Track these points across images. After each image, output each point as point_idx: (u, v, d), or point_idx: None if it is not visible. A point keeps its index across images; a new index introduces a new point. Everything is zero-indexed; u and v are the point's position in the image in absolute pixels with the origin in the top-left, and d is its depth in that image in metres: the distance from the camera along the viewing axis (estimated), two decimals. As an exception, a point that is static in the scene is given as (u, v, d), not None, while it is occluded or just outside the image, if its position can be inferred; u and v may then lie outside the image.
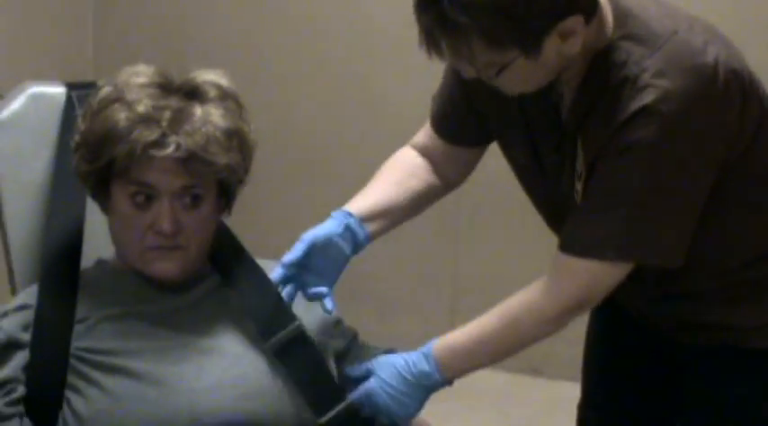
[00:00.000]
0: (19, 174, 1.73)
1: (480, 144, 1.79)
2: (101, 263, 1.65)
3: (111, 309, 1.56)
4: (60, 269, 1.60)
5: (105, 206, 1.59)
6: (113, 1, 3.41)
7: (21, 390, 1.48)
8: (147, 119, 1.49)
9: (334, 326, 1.72)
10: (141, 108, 1.50)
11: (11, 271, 1.73)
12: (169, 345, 1.54)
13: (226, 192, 1.60)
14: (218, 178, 1.55)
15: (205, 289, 1.63)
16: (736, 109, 1.49)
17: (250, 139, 1.59)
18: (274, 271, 1.61)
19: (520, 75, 1.49)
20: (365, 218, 1.69)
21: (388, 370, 1.58)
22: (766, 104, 1.56)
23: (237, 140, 1.55)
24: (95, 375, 1.49)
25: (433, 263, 3.42)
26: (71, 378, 1.49)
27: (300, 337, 1.59)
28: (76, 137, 1.57)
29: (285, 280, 1.63)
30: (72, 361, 1.50)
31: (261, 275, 1.63)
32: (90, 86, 1.77)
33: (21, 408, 1.48)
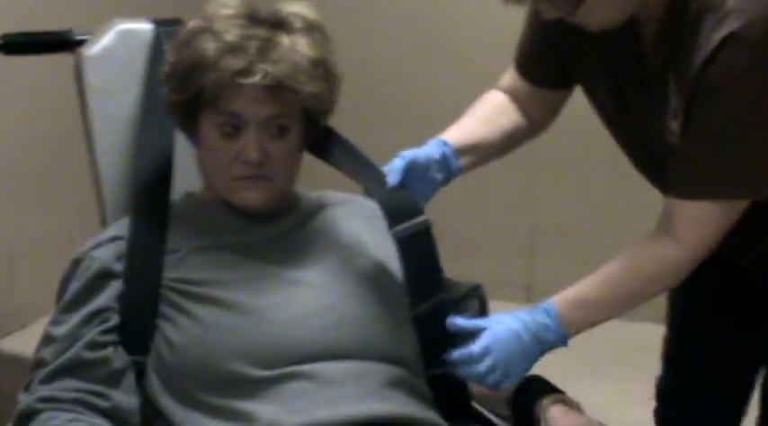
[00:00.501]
0: (109, 108, 1.74)
1: (564, 87, 1.76)
2: (189, 196, 1.67)
3: (201, 240, 1.57)
4: (151, 201, 1.61)
5: (193, 138, 1.60)
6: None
7: (115, 319, 1.51)
8: (235, 49, 1.49)
9: None
10: (229, 37, 1.50)
11: (102, 204, 1.74)
12: (258, 276, 1.54)
13: (312, 123, 1.60)
14: (303, 108, 1.55)
15: (292, 221, 1.63)
16: None
17: (336, 70, 1.59)
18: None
19: (597, 6, 1.45)
20: (458, 151, 1.68)
21: (507, 323, 1.54)
22: None
23: (323, 70, 1.55)
24: (187, 304, 1.50)
25: (511, 205, 3.40)
26: (163, 308, 1.51)
27: (426, 231, 1.59)
28: (166, 68, 1.58)
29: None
30: (163, 291, 1.52)
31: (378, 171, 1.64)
32: (176, 23, 1.79)
33: (115, 336, 1.50)
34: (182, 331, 1.49)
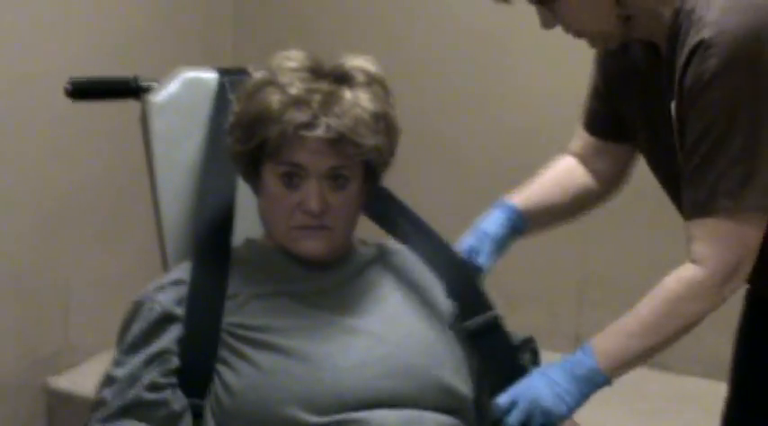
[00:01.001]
0: (173, 154, 1.77)
1: (627, 138, 1.78)
2: (249, 242, 1.69)
3: (261, 287, 1.59)
4: (213, 246, 1.64)
5: (255, 186, 1.62)
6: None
7: (174, 361, 1.52)
8: (299, 102, 1.52)
9: None
10: (293, 90, 1.53)
11: (163, 248, 1.77)
12: (316, 324, 1.56)
13: (371, 175, 1.62)
14: (364, 160, 1.57)
15: (350, 270, 1.65)
16: None
17: (396, 123, 1.61)
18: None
19: (576, 6, 1.53)
20: (526, 214, 1.71)
21: (550, 368, 1.56)
22: None
23: (384, 123, 1.57)
24: (246, 349, 1.52)
25: (561, 255, 3.39)
26: (222, 352, 1.53)
27: (495, 324, 1.66)
28: (231, 119, 1.61)
29: None
30: (223, 336, 1.53)
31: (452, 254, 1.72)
32: (240, 73, 1.82)
33: (174, 379, 1.52)
34: (240, 375, 1.50)
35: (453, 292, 1.68)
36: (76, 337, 2.95)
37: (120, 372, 1.52)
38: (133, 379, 1.50)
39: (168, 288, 1.58)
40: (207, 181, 1.72)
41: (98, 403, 1.51)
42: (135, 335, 1.54)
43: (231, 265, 1.62)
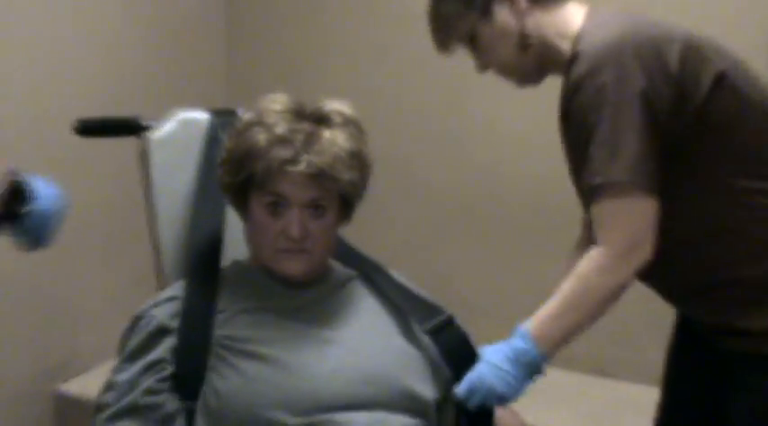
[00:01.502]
0: (169, 185, 1.79)
1: None
2: (236, 263, 1.70)
3: (247, 303, 1.60)
4: (204, 266, 1.65)
5: (243, 214, 1.64)
6: (243, 44, 3.49)
7: (169, 369, 1.52)
8: (284, 140, 1.54)
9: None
10: (279, 130, 1.54)
11: (159, 267, 1.77)
12: (295, 336, 1.57)
13: (346, 205, 1.64)
14: (340, 192, 1.59)
15: (327, 288, 1.66)
16: (649, 62, 1.50)
17: (368, 160, 1.63)
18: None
19: (489, 44, 1.64)
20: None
21: (495, 354, 1.56)
22: (732, 84, 1.55)
23: (358, 160, 1.59)
24: (233, 358, 1.52)
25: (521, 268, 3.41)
26: (212, 361, 1.53)
27: (450, 321, 1.67)
28: (222, 154, 1.62)
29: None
30: (212, 346, 1.54)
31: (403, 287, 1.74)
32: (229, 113, 1.84)
33: (169, 384, 1.52)
34: (227, 381, 1.51)
35: (414, 307, 1.69)
36: (84, 346, 2.93)
37: (121, 378, 1.52)
38: (132, 385, 1.50)
39: (163, 304, 1.59)
40: (199, 209, 1.74)
41: (101, 406, 1.51)
42: (134, 346, 1.55)
43: (220, 284, 1.63)
